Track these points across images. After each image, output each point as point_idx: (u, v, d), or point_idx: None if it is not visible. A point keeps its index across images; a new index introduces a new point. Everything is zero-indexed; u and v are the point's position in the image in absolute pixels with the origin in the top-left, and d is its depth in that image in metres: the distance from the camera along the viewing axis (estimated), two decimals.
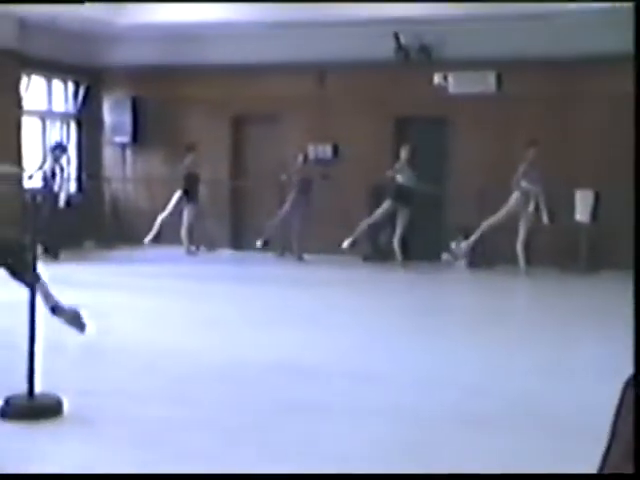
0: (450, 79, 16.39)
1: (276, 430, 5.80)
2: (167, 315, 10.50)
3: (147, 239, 16.98)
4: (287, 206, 16.38)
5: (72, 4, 13.81)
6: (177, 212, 16.99)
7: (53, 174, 15.89)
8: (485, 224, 15.00)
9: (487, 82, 16.14)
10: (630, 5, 13.67)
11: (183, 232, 17.08)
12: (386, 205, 15.59)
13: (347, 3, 14.59)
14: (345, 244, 15.61)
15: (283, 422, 6.00)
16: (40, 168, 15.91)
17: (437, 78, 16.47)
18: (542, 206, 14.71)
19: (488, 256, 15.49)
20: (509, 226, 14.89)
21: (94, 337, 8.74)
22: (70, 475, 4.72)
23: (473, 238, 15.10)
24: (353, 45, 16.51)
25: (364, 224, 15.74)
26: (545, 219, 14.68)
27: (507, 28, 15.44)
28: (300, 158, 16.47)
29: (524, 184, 14.79)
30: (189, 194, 16.89)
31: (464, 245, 15.29)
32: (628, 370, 2.38)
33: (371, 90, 16.76)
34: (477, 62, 15.94)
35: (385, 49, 16.41)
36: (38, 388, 6.00)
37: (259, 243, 16.60)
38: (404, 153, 15.60)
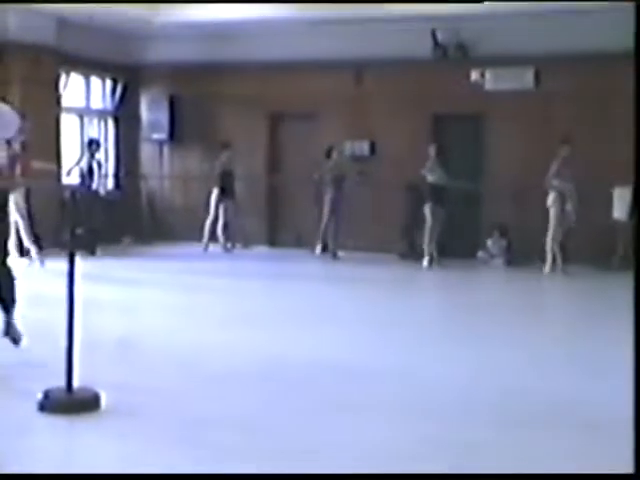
0: (487, 76, 16.32)
1: (317, 429, 5.79)
2: (204, 312, 10.52)
3: (203, 249, 17.00)
4: (326, 206, 16.34)
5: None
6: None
7: (90, 170, 16.00)
8: (549, 240, 14.79)
9: (525, 79, 16.05)
10: None
11: (219, 229, 17.14)
12: (428, 208, 15.45)
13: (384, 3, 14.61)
14: (424, 263, 15.43)
15: (323, 421, 5.99)
16: (77, 164, 16.01)
17: (474, 75, 16.41)
18: (571, 205, 14.59)
19: (524, 254, 15.40)
20: (546, 224, 14.79)
21: (131, 333, 8.84)
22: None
23: (549, 258, 14.80)
24: (390, 42, 16.49)
25: (426, 235, 15.49)
26: (572, 219, 14.57)
27: (545, 24, 15.35)
28: (334, 155, 16.43)
29: (556, 182, 14.68)
30: (224, 191, 16.94)
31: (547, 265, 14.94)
32: None
33: (408, 87, 16.72)
34: (515, 58, 15.87)
35: (422, 46, 16.40)
36: (76, 382, 6.04)
37: (318, 250, 16.56)
38: (432, 151, 15.53)
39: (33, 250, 13.98)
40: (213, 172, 17.03)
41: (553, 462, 5.12)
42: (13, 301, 7.73)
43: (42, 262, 13.69)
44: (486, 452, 5.34)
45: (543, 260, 14.84)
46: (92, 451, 5.30)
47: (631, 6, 14.00)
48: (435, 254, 15.60)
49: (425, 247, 15.48)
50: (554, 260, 14.79)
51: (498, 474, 4.91)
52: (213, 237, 17.16)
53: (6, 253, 7.69)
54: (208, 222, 17.10)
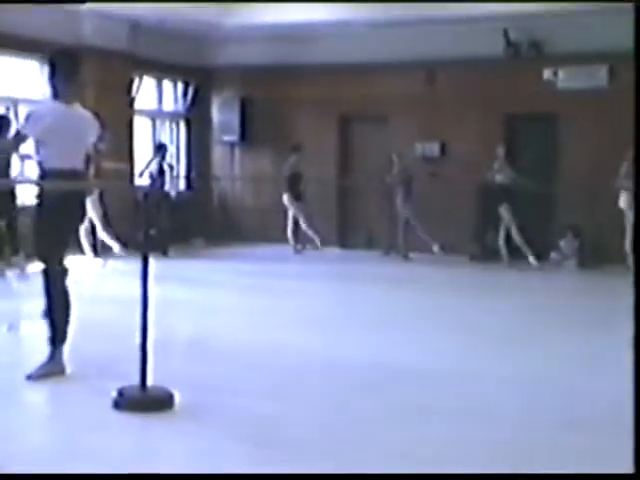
0: (560, 74, 16.14)
1: (382, 430, 5.78)
2: (274, 313, 10.55)
3: (295, 252, 17.11)
4: (403, 207, 16.29)
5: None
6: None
7: (161, 172, 16.18)
8: (627, 246, 14.58)
9: (598, 76, 15.84)
10: None
11: (289, 231, 17.20)
12: (504, 210, 15.34)
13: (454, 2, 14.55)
14: (532, 260, 15.41)
15: (389, 423, 5.97)
16: (147, 167, 16.20)
17: (547, 74, 16.24)
18: None
19: (598, 255, 15.19)
20: (621, 225, 14.57)
21: (203, 333, 8.91)
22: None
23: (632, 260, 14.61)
24: (461, 42, 16.40)
25: (515, 234, 15.40)
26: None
27: (617, 20, 15.10)
28: (395, 159, 16.39)
29: (627, 183, 14.45)
30: (294, 194, 16.98)
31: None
32: None
33: (479, 87, 16.61)
34: (588, 56, 15.66)
35: (494, 46, 16.27)
36: (150, 381, 6.10)
37: (435, 249, 16.51)
38: (500, 152, 15.42)
39: (116, 246, 14.26)
40: (282, 174, 17.09)
41: (609, 466, 5.03)
42: (65, 331, 6.88)
43: (125, 254, 13.97)
44: (547, 454, 5.28)
45: (616, 262, 14.62)
46: (164, 449, 5.35)
47: None
48: (506, 255, 15.48)
49: (519, 244, 15.33)
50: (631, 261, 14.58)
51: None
52: (299, 237, 17.24)
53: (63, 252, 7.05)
54: (289, 230, 17.17)
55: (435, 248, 16.42)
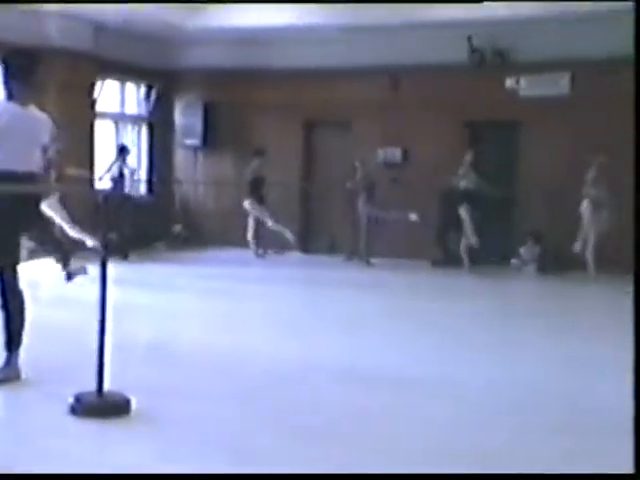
0: (522, 82, 16.25)
1: (343, 435, 5.77)
2: (235, 317, 10.52)
3: (256, 256, 17.06)
4: (362, 211, 16.30)
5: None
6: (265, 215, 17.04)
7: (121, 176, 16.09)
8: (588, 253, 14.75)
9: (560, 84, 15.97)
10: None
11: (250, 235, 17.16)
12: (464, 211, 15.45)
13: (419, 6, 14.59)
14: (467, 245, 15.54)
15: (350, 427, 5.96)
16: (109, 170, 16.09)
17: (509, 81, 16.34)
18: (607, 214, 14.50)
19: (557, 261, 15.30)
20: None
21: (163, 337, 8.85)
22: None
23: (592, 267, 14.78)
24: (426, 49, 16.46)
25: (469, 235, 15.52)
26: (608, 228, 14.49)
27: (580, 29, 15.24)
28: (357, 165, 16.42)
29: (592, 191, 14.60)
30: (256, 198, 16.94)
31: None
32: None
33: (443, 94, 16.67)
34: (550, 64, 15.78)
35: (458, 53, 16.34)
36: (107, 386, 6.05)
37: (413, 217, 16.37)
38: (467, 158, 15.52)
39: (90, 241, 14.03)
40: (244, 179, 17.06)
41: (595, 467, 5.06)
42: (20, 335, 6.75)
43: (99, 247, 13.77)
44: (534, 458, 5.31)
45: (575, 268, 14.77)
46: (121, 455, 5.29)
47: None
48: (467, 260, 15.57)
49: (470, 241, 15.44)
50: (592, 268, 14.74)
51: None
52: (260, 242, 17.20)
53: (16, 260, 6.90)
54: (250, 229, 17.14)
55: (412, 216, 16.26)
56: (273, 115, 18.14)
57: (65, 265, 7.97)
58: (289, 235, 16.80)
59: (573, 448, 5.57)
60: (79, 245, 13.57)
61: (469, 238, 15.51)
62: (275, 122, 18.16)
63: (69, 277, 8.03)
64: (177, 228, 18.31)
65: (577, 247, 14.84)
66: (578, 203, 14.77)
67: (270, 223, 16.92)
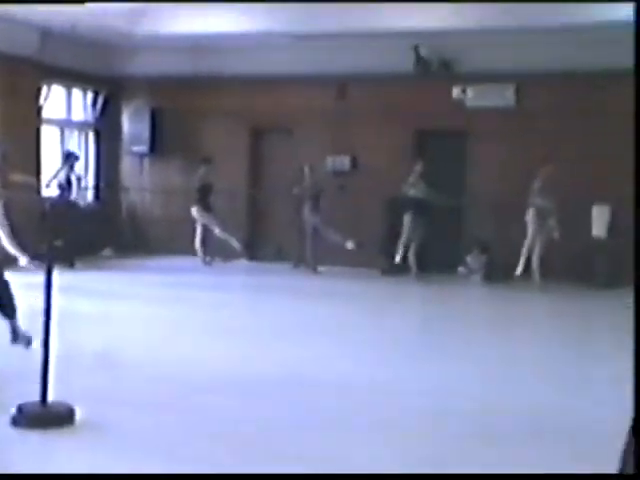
0: (469, 92, 16.39)
1: (286, 443, 5.78)
2: (182, 325, 10.49)
3: (204, 264, 16.99)
4: (308, 219, 16.31)
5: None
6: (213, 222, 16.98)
7: (68, 182, 15.94)
8: (524, 250, 14.92)
9: (506, 96, 16.12)
10: None
11: (197, 242, 17.11)
12: (407, 219, 15.57)
13: (367, 15, 14.67)
14: (397, 259, 15.56)
15: (295, 436, 5.97)
16: (55, 177, 15.94)
17: (456, 91, 16.47)
18: (554, 222, 14.69)
19: (503, 270, 15.44)
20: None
21: (109, 346, 8.79)
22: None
23: (520, 268, 14.94)
24: (373, 57, 16.54)
25: (400, 245, 15.63)
26: (556, 235, 14.67)
27: (526, 41, 15.42)
28: (306, 171, 16.44)
29: (538, 200, 14.78)
30: (203, 205, 16.90)
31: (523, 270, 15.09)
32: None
33: (390, 103, 16.77)
34: (496, 75, 15.95)
35: (405, 62, 16.42)
36: (51, 396, 6.00)
37: (350, 245, 16.35)
38: (418, 168, 15.60)
39: (23, 260, 13.90)
40: (190, 186, 17.01)
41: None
42: (13, 308, 7.78)
43: (36, 268, 13.61)
44: (451, 466, 5.34)
45: (521, 276, 14.93)
46: (63, 466, 5.25)
47: (614, 24, 14.15)
48: (415, 268, 15.67)
49: (399, 253, 15.54)
50: (525, 269, 14.90)
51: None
52: (207, 249, 17.13)
53: None
54: (197, 237, 17.09)
55: (349, 245, 16.34)
56: (221, 122, 18.11)
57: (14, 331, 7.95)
58: (235, 244, 16.78)
59: (504, 453, 5.63)
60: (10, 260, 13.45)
61: (406, 242, 15.60)
62: (223, 129, 18.13)
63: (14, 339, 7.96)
64: (106, 253, 18.00)
65: (519, 271, 14.96)
66: (524, 213, 14.94)
67: (217, 231, 16.88)
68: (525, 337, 10.90)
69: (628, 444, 2.31)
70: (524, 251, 14.95)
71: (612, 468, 2.41)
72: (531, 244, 14.93)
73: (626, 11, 13.81)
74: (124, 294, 13.12)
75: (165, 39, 17.22)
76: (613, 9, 13.80)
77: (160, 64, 18.15)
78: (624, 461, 2.29)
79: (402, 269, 15.85)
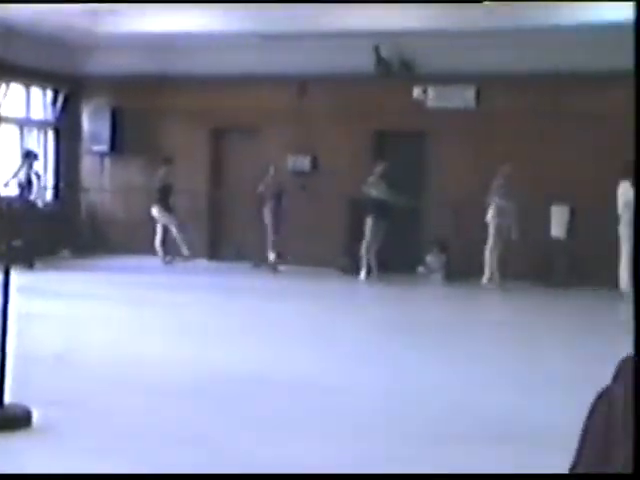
0: (429, 93, 16.44)
1: (245, 443, 5.78)
2: (142, 325, 10.46)
3: (164, 264, 16.92)
4: (268, 219, 16.31)
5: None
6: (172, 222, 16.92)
7: (29, 182, 15.80)
8: (487, 254, 15.00)
9: (466, 97, 16.20)
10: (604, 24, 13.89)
11: (157, 242, 17.05)
12: (370, 221, 15.58)
13: (328, 15, 14.70)
14: (362, 276, 15.57)
15: (254, 436, 5.98)
16: (15, 176, 15.79)
17: (417, 92, 16.52)
18: (513, 222, 14.78)
19: (464, 270, 15.53)
20: (485, 240, 14.96)
21: (67, 347, 8.74)
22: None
23: (487, 273, 15.01)
24: (334, 58, 16.52)
25: (364, 248, 15.66)
26: (515, 235, 14.77)
27: (487, 43, 15.50)
28: (272, 170, 16.45)
29: (497, 200, 14.87)
30: (164, 205, 16.85)
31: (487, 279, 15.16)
32: (597, 384, 2.40)
33: (351, 103, 16.79)
34: (457, 77, 16.02)
35: (366, 62, 16.45)
36: (8, 398, 5.96)
37: (271, 257, 16.43)
38: (379, 169, 15.62)
39: None
40: (151, 186, 16.95)
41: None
42: None
43: None
44: (411, 468, 5.37)
45: (482, 274, 15.02)
46: (19, 468, 5.22)
47: (575, 28, 14.31)
48: (375, 268, 15.70)
49: (363, 259, 15.58)
50: (492, 275, 14.98)
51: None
52: (167, 249, 17.08)
53: None
54: (158, 237, 17.03)
55: (271, 256, 16.44)
56: (182, 121, 18.05)
57: None
58: (185, 251, 16.77)
59: (454, 454, 5.68)
60: None
61: (368, 246, 15.64)
62: (184, 129, 18.07)
63: None
64: (65, 253, 17.89)
65: (485, 280, 15.03)
66: (483, 213, 15.02)
67: (174, 231, 16.86)
68: (485, 336, 10.97)
69: (582, 440, 2.33)
70: (487, 254, 14.99)
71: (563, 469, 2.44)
72: (493, 245, 14.98)
73: (586, 15, 13.99)
74: (84, 295, 13.04)
75: (127, 38, 17.13)
76: (574, 12, 13.94)
77: (121, 63, 18.04)
78: (578, 456, 2.32)
79: (361, 268, 15.86)
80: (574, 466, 2.27)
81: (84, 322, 10.52)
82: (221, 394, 7.12)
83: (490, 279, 14.93)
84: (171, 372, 7.82)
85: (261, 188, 16.38)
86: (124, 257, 17.52)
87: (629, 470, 1.93)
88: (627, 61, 12.52)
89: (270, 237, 16.36)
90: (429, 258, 16.02)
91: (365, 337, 10.29)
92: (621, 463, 1.76)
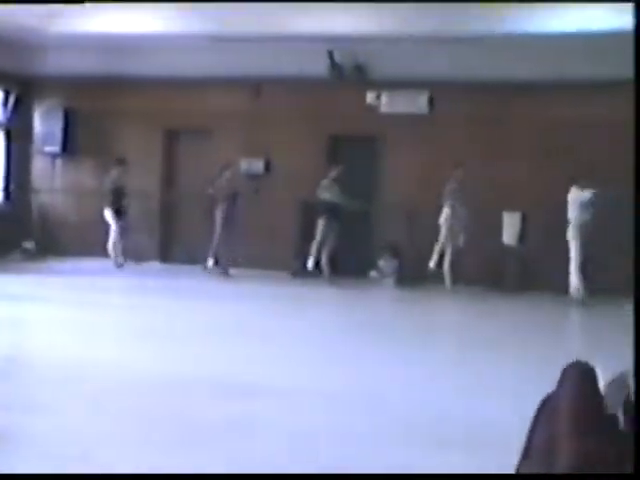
0: (383, 98, 16.51)
1: (197, 446, 5.77)
2: (93, 328, 10.38)
3: (116, 267, 16.76)
4: (218, 222, 16.27)
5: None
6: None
7: None
8: (446, 266, 15.10)
9: (419, 103, 16.29)
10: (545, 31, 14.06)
11: (110, 245, 16.94)
12: (322, 223, 15.62)
13: (283, 18, 14.71)
14: (310, 263, 15.61)
15: (207, 439, 5.97)
16: None
17: (370, 97, 16.58)
18: (464, 228, 14.90)
19: (415, 274, 15.62)
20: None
21: (17, 350, 8.67)
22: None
23: (449, 280, 15.11)
24: (289, 61, 16.55)
25: (314, 248, 15.69)
26: (461, 241, 14.90)
27: (440, 50, 15.61)
28: (228, 173, 16.41)
29: (450, 204, 14.96)
30: (117, 208, 16.75)
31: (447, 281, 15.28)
32: (545, 388, 2.44)
33: (305, 107, 16.82)
34: (410, 83, 16.10)
35: (320, 66, 16.48)
36: None
37: (210, 264, 16.38)
38: (333, 173, 15.66)
39: None
40: (103, 188, 16.84)
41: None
42: None
43: None
44: (362, 470, 5.40)
45: (433, 280, 15.11)
46: None
47: (525, 35, 14.45)
48: (327, 272, 15.73)
49: (323, 260, 15.63)
50: (438, 267, 15.13)
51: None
52: (119, 251, 16.96)
53: None
54: (110, 239, 16.90)
55: (209, 263, 16.43)
56: (135, 123, 17.97)
57: None
58: (120, 259, 16.66)
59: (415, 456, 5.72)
60: None
61: (318, 247, 15.68)
62: (137, 130, 17.99)
63: None
64: (28, 245, 17.79)
65: (432, 264, 15.20)
66: (436, 218, 15.11)
67: (115, 237, 16.70)
68: (436, 340, 11.04)
69: (527, 442, 2.38)
70: (447, 262, 15.10)
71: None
72: (442, 247, 15.10)
73: (540, 24, 14.14)
74: (34, 297, 12.92)
75: (79, 38, 17.01)
76: (527, 21, 14.09)
77: (74, 64, 17.91)
78: (523, 457, 2.36)
79: (314, 272, 15.90)
80: (519, 467, 2.32)
81: (34, 325, 10.44)
82: (173, 396, 7.09)
83: (437, 265, 15.06)
84: (122, 375, 7.77)
85: (211, 190, 16.31)
86: (76, 259, 17.40)
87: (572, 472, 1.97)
88: (576, 70, 12.71)
89: (223, 240, 16.29)
90: (381, 262, 16.08)
91: (313, 340, 10.30)
92: (563, 465, 1.80)
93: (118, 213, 16.75)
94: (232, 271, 16.23)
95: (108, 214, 16.77)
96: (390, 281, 15.84)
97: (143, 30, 16.09)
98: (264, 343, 9.85)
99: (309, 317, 12.29)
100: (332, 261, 15.79)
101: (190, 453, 5.62)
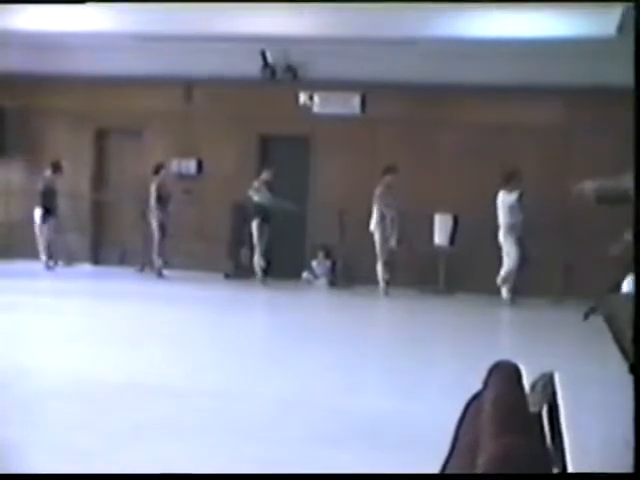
0: (315, 99, 16.53)
1: (126, 450, 5.72)
2: (21, 332, 10.24)
3: (47, 269, 16.54)
4: (155, 224, 16.15)
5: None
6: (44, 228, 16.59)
7: None
8: (379, 268, 15.12)
9: (351, 104, 16.34)
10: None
11: (41, 246, 16.71)
12: (255, 225, 15.58)
13: (215, 18, 14.65)
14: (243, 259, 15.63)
15: (135, 443, 5.91)
16: None
17: (303, 98, 16.59)
18: (393, 230, 14.98)
19: (348, 275, 15.66)
20: (369, 247, 15.10)
21: None
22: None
23: (383, 281, 15.11)
24: (220, 61, 16.46)
25: (257, 253, 15.63)
26: (393, 243, 14.98)
27: (373, 52, 15.65)
28: (162, 173, 16.30)
29: (381, 207, 15.01)
30: (47, 209, 16.53)
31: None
32: (475, 386, 2.45)
33: (237, 107, 16.76)
34: (342, 84, 16.14)
35: (252, 66, 16.44)
36: None
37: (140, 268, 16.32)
38: (265, 175, 15.64)
39: None
40: (35, 189, 16.61)
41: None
42: None
43: None
44: (292, 470, 5.38)
45: (366, 282, 15.15)
46: None
47: (458, 40, 14.57)
48: (260, 273, 15.69)
49: (256, 261, 15.60)
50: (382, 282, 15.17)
51: (488, 474, 4.94)
52: (50, 254, 16.73)
53: None
54: (40, 241, 16.68)
55: (157, 262, 16.29)
56: (65, 123, 17.73)
57: None
58: (50, 262, 16.47)
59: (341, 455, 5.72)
60: None
61: (257, 253, 15.66)
62: (67, 130, 17.76)
63: None
64: None
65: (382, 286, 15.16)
66: (368, 219, 15.16)
67: (43, 240, 16.50)
68: (367, 341, 11.07)
69: (453, 442, 2.38)
70: (380, 265, 15.13)
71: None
72: (379, 251, 15.11)
73: (469, 28, 14.26)
74: None
75: (7, 35, 16.73)
76: (458, 25, 14.19)
77: (2, 61, 17.62)
78: (449, 458, 2.37)
79: (247, 273, 15.86)
80: (445, 466, 2.32)
81: None
82: (103, 400, 7.03)
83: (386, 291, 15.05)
84: (51, 379, 7.69)
85: (146, 192, 16.18)
86: (4, 261, 17.11)
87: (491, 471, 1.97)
88: (507, 75, 12.86)
89: (156, 241, 16.19)
90: (314, 263, 16.11)
91: (245, 341, 10.29)
92: (485, 464, 1.80)
93: (49, 213, 16.53)
94: (165, 272, 16.11)
95: (38, 214, 16.54)
96: (323, 282, 15.86)
97: (73, 28, 15.86)
98: (192, 346, 9.81)
99: (240, 319, 12.24)
100: (265, 262, 15.75)
101: (111, 458, 5.57)
